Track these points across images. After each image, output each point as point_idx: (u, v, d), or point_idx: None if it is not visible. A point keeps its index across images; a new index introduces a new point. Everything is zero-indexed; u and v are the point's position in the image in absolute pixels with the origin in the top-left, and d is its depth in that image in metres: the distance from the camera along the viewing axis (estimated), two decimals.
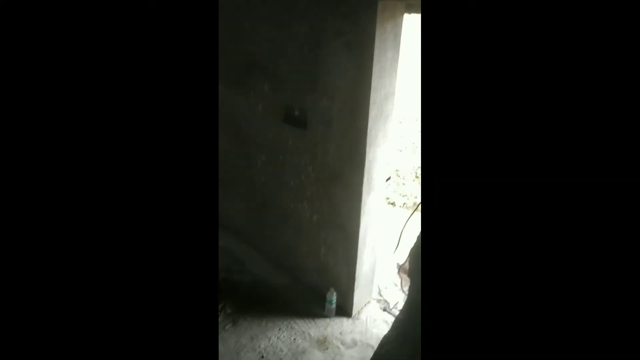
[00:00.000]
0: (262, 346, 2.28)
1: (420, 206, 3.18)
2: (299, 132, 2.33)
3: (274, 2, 2.19)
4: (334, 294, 2.43)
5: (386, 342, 1.37)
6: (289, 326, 2.41)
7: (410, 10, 2.01)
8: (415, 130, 5.94)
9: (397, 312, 2.47)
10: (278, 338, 2.34)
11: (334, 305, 2.45)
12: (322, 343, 2.32)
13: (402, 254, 2.86)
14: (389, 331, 1.43)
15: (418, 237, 1.38)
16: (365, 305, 2.59)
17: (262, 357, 2.22)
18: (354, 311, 2.50)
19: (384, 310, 2.57)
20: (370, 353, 2.20)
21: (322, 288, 2.51)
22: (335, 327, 2.42)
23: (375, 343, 2.28)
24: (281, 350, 2.27)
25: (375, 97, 1.95)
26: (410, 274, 1.42)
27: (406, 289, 2.71)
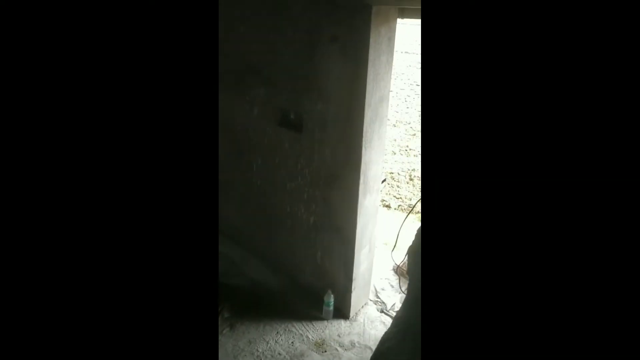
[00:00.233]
0: (260, 350, 2.28)
1: (414, 209, 3.20)
2: (295, 135, 2.35)
3: (269, 7, 2.21)
4: (332, 296, 2.43)
5: (387, 338, 1.38)
6: (287, 329, 2.41)
7: (403, 14, 2.04)
8: (407, 132, 5.97)
9: (394, 314, 2.48)
10: (276, 341, 2.33)
11: (331, 308, 2.45)
12: (320, 346, 2.32)
13: (399, 255, 2.87)
14: (389, 328, 1.44)
15: (416, 234, 1.39)
16: (362, 307, 2.59)
17: None
18: (352, 313, 2.50)
19: (382, 311, 2.58)
20: (369, 355, 2.21)
21: (320, 290, 2.51)
22: (333, 330, 2.42)
23: (373, 345, 2.28)
24: (279, 353, 2.26)
25: (370, 100, 1.97)
26: (409, 271, 1.43)
27: (404, 289, 2.72)
